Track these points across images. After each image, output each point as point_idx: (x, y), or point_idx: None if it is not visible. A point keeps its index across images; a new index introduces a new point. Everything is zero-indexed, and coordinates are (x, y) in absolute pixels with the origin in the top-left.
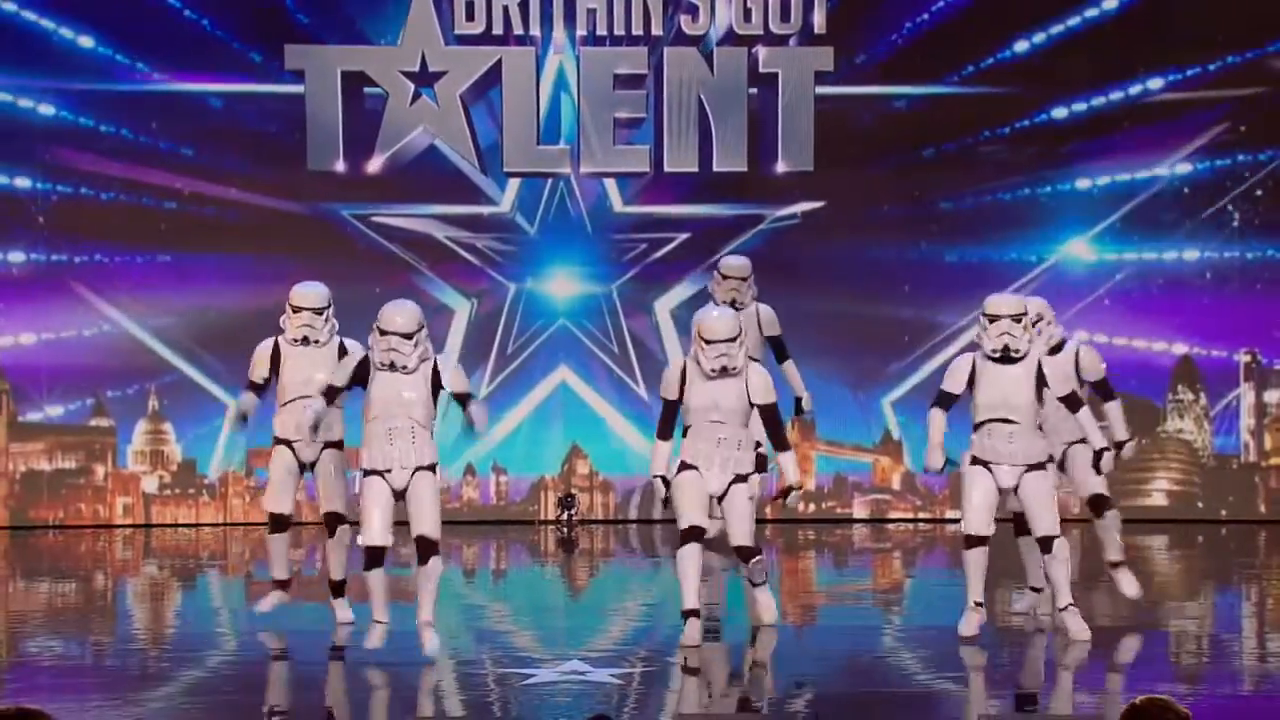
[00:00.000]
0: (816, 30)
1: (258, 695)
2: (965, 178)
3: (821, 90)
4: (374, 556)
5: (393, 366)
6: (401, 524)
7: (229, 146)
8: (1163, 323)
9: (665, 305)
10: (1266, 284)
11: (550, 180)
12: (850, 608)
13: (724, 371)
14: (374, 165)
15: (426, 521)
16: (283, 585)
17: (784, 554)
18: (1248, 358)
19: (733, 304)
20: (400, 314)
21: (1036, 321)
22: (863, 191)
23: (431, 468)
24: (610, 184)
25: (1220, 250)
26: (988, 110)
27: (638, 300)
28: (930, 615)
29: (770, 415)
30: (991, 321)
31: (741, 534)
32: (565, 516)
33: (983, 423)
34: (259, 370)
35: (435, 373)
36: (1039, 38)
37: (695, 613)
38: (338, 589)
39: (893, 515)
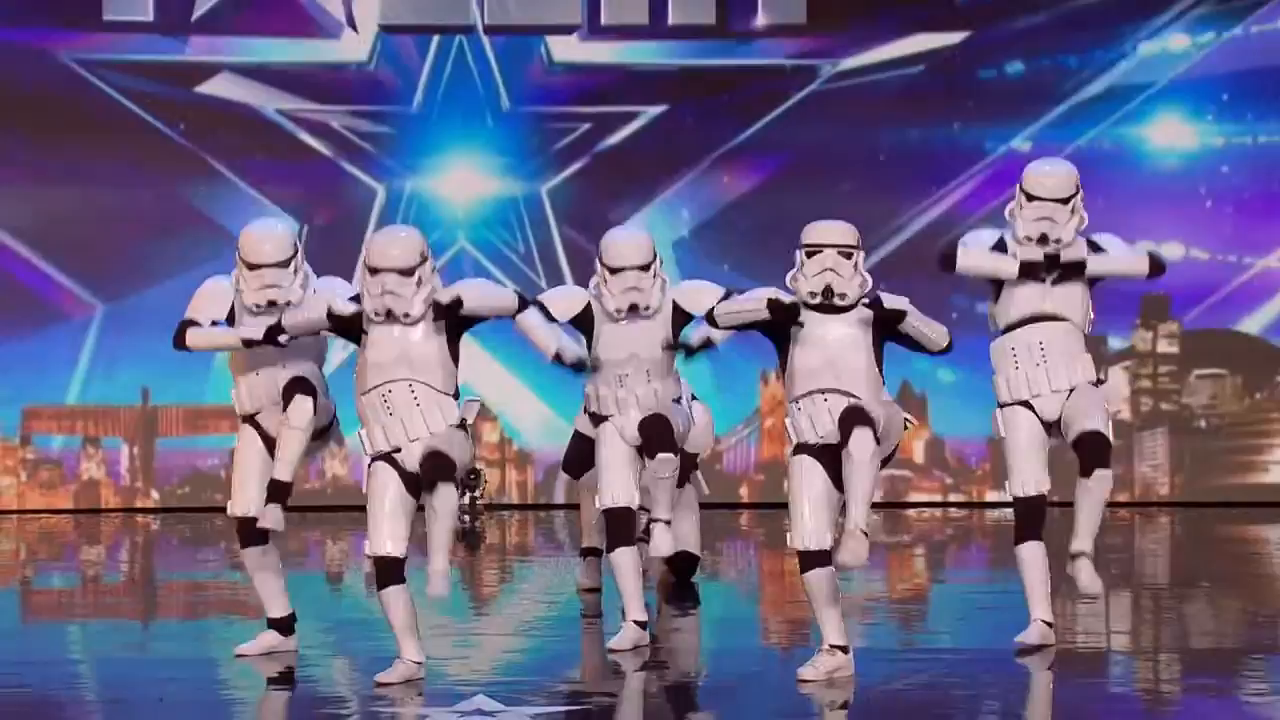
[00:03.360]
0: None
1: None
2: (1013, 36)
3: None
4: (387, 570)
5: (390, 315)
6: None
7: None
8: None
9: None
10: None
11: (440, 37)
12: (854, 623)
13: (634, 310)
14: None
15: (442, 442)
16: (281, 625)
17: (766, 549)
18: None
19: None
20: (395, 245)
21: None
22: (872, 53)
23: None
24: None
25: None
26: None
27: (575, 211)
28: (965, 633)
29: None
30: (1030, 200)
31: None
32: (466, 500)
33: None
34: (215, 311)
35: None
36: None
37: (641, 624)
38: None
39: (914, 498)
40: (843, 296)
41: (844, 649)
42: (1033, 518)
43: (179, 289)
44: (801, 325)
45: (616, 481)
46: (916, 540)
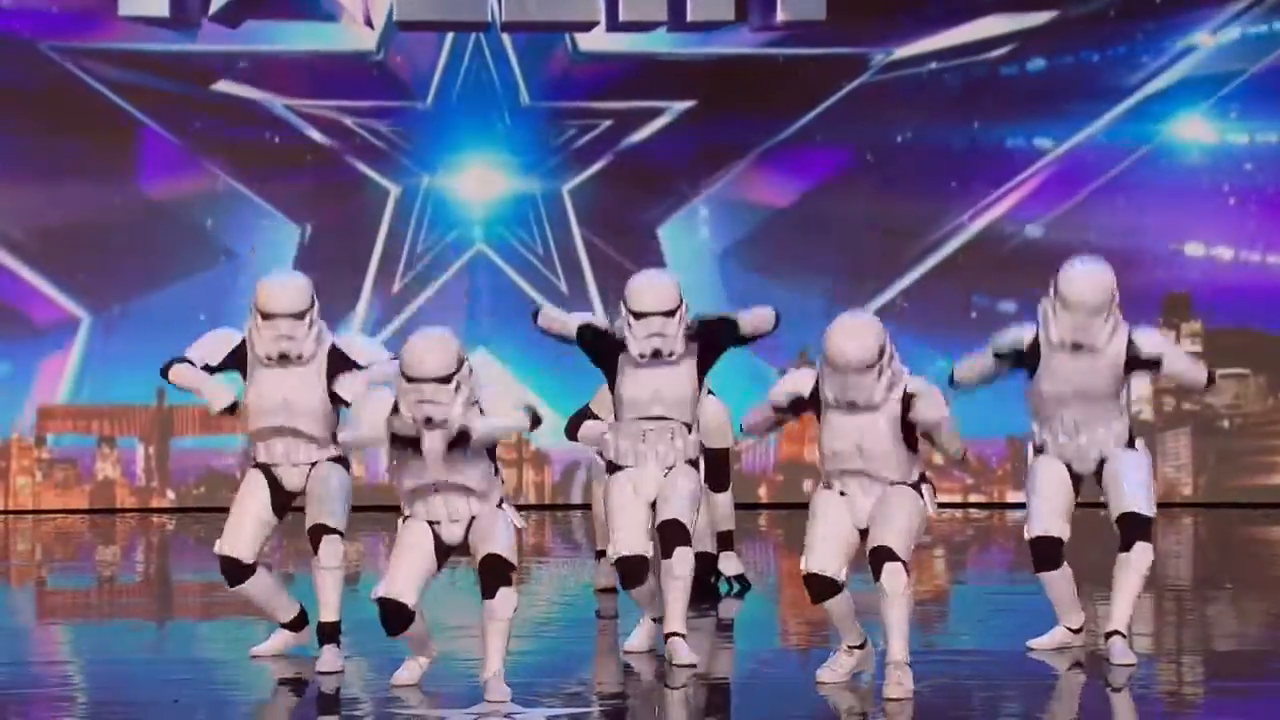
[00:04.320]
0: None
1: None
2: (1034, 30)
3: None
4: (395, 616)
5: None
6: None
7: None
8: None
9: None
10: None
11: (454, 34)
12: (871, 626)
13: (657, 355)
14: None
15: (498, 540)
16: (293, 625)
17: (783, 550)
18: None
19: None
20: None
21: None
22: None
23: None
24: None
25: None
26: None
27: (597, 211)
28: (986, 635)
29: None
30: (1064, 307)
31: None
32: None
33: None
34: (209, 355)
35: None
36: None
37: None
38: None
39: None
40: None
41: (860, 645)
42: (1049, 555)
43: (191, 290)
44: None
45: (627, 531)
46: (937, 541)
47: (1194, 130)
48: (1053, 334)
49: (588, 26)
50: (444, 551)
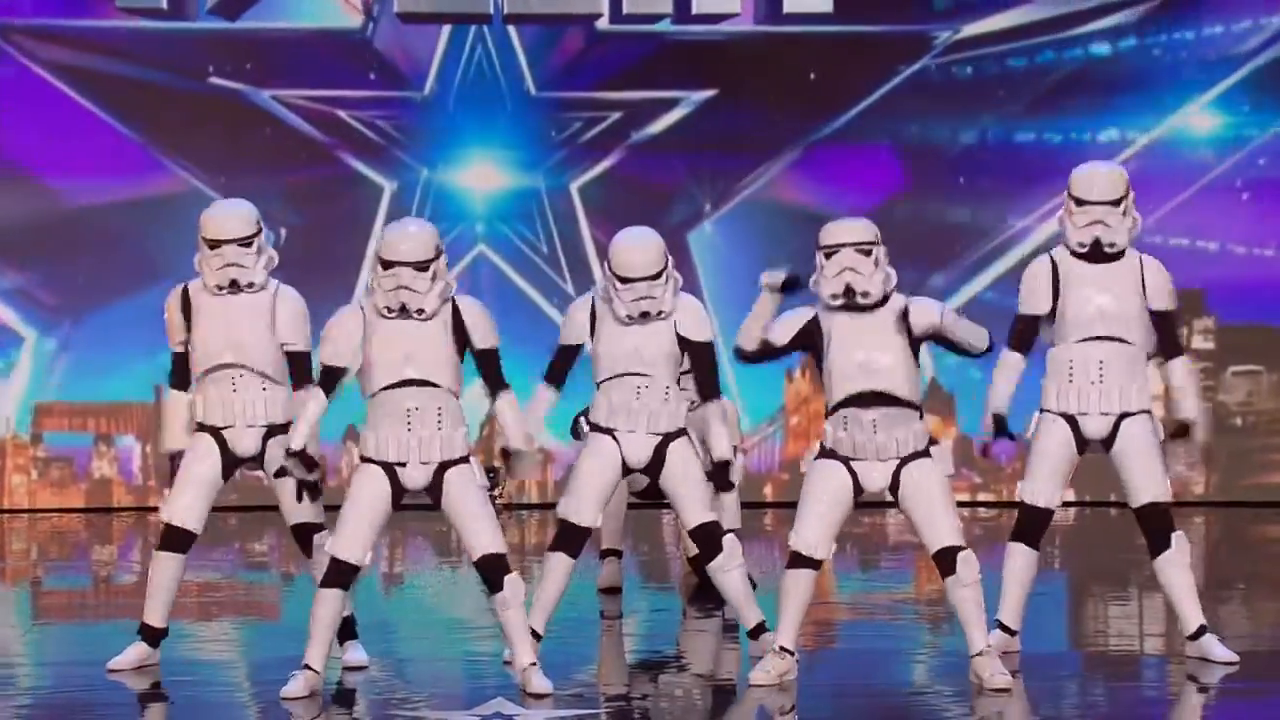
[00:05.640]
0: None
1: None
2: (1040, 22)
3: None
4: (339, 573)
5: (404, 310)
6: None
7: None
8: None
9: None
10: None
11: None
12: (881, 625)
13: (645, 316)
14: None
15: (485, 533)
16: (155, 636)
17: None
18: None
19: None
20: (408, 237)
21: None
22: (897, 42)
23: (465, 459)
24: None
25: None
26: None
27: (605, 208)
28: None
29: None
30: (1079, 205)
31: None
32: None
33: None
34: (177, 334)
35: (458, 319)
36: None
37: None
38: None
39: None
40: (865, 295)
41: (791, 653)
42: (1035, 525)
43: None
44: (825, 334)
45: (587, 499)
46: None
47: (1208, 125)
48: (1070, 237)
49: (591, 19)
50: (400, 495)
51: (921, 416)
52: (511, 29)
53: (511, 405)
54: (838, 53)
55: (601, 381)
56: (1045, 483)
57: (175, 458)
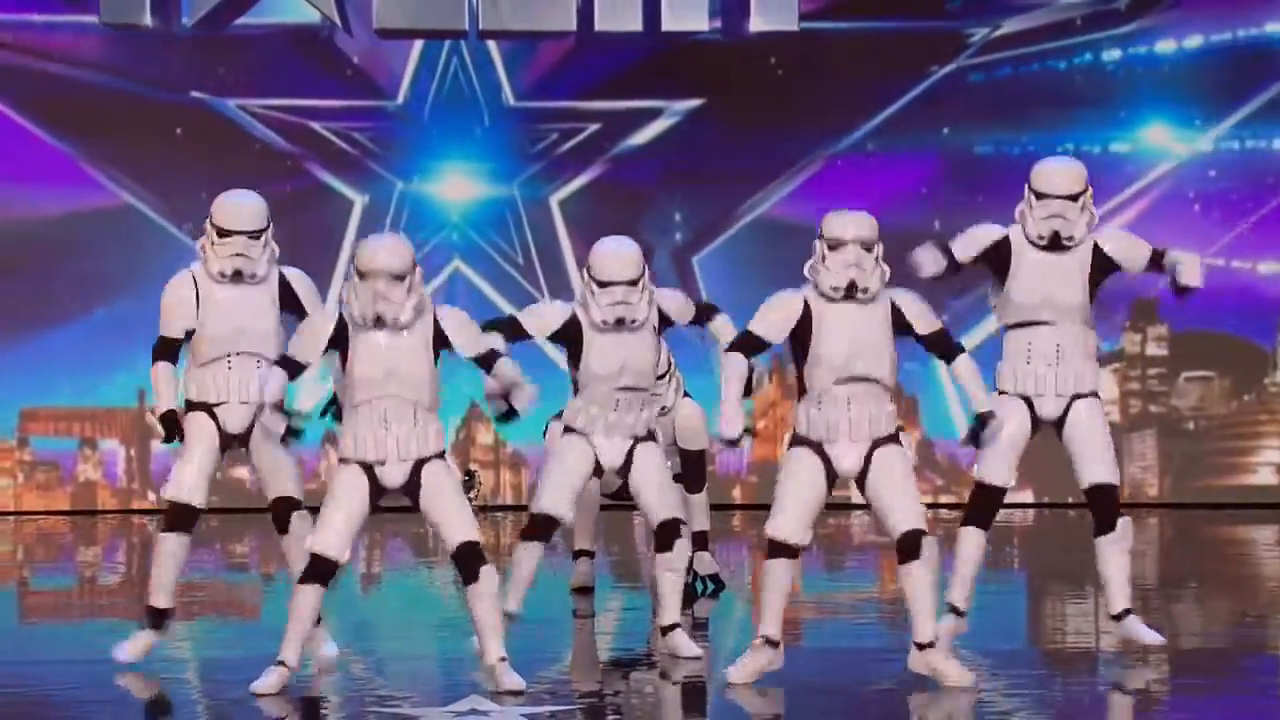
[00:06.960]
0: None
1: None
2: (1003, 36)
3: None
4: (319, 570)
5: (379, 321)
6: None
7: None
8: (1276, 237)
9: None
10: None
11: (425, 42)
12: (845, 624)
13: (620, 323)
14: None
15: (461, 524)
16: (160, 618)
17: (757, 551)
18: None
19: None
20: (385, 248)
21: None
22: (861, 55)
23: (441, 455)
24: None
25: None
26: None
27: (585, 223)
28: (960, 637)
29: None
30: (1039, 199)
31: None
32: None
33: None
34: (181, 321)
35: (438, 328)
36: None
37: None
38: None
39: None
40: (865, 291)
41: (775, 643)
42: (987, 506)
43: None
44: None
45: (561, 491)
46: None
47: (1160, 139)
48: (1029, 230)
49: (564, 35)
50: (378, 494)
51: (892, 401)
52: (492, 47)
53: (506, 361)
54: (823, 63)
55: (584, 390)
56: (998, 463)
57: (166, 418)
